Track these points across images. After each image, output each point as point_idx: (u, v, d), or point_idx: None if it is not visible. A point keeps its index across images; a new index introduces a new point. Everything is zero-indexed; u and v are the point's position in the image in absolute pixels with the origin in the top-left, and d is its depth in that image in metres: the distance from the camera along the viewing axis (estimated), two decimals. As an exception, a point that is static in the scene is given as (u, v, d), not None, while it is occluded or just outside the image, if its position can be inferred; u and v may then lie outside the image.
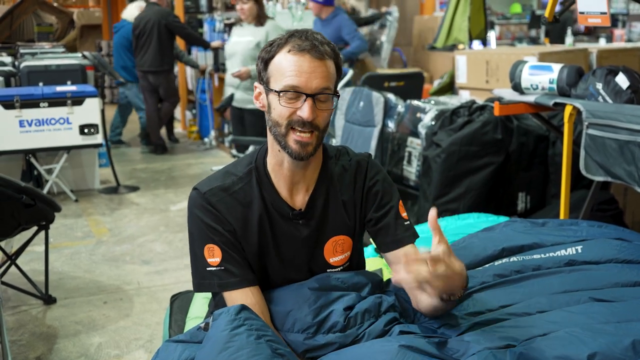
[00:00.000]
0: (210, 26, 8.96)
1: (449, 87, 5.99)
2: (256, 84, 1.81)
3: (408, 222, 1.89)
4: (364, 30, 7.56)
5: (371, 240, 1.94)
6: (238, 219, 1.80)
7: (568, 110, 2.94)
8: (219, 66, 8.17)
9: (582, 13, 2.90)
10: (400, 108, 4.58)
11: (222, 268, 1.77)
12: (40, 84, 5.93)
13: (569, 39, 6.69)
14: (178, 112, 9.97)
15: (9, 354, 2.96)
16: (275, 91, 1.71)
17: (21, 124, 5.54)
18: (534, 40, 10.58)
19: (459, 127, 3.95)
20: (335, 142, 5.01)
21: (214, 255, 1.77)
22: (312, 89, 1.69)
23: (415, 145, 4.36)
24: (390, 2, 13.47)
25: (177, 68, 9.63)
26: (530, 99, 3.19)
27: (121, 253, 4.71)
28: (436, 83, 6.68)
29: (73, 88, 5.82)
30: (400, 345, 1.55)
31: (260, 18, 5.58)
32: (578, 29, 9.60)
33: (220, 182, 1.82)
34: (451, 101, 4.52)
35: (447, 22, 6.60)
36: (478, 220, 2.86)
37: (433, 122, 4.12)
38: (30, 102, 5.54)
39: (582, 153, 2.83)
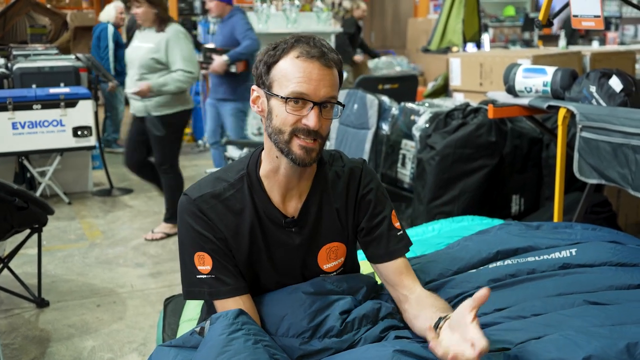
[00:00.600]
0: (204, 28, 8.95)
1: (443, 90, 5.99)
2: (254, 87, 1.77)
3: (401, 232, 1.87)
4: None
5: (363, 252, 1.92)
6: (229, 227, 1.77)
7: (562, 113, 2.94)
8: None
9: (575, 16, 2.91)
10: (395, 110, 4.58)
11: (213, 276, 1.74)
12: (34, 86, 5.91)
13: (562, 41, 6.70)
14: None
15: (1, 357, 2.95)
16: (281, 97, 1.67)
17: (14, 126, 5.51)
18: (528, 43, 10.62)
19: (453, 129, 3.96)
20: (329, 144, 5.01)
21: (204, 263, 1.74)
22: (319, 97, 1.66)
23: (409, 147, 4.36)
24: (384, 4, 13.50)
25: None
26: (524, 101, 3.19)
27: (114, 256, 4.70)
28: (430, 85, 6.69)
29: (66, 90, 5.80)
30: (395, 350, 1.54)
31: (159, 23, 4.87)
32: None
33: (211, 188, 1.78)
34: (445, 104, 4.52)
35: (441, 24, 6.62)
36: (472, 223, 2.86)
37: (427, 125, 4.12)
38: (23, 104, 5.52)
39: (576, 156, 2.83)
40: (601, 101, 2.91)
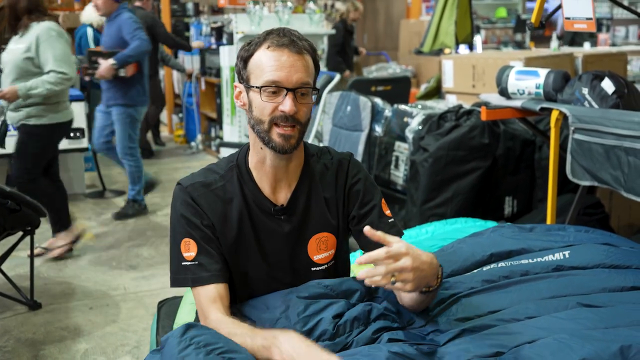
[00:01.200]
0: (197, 30, 8.95)
1: (436, 92, 6.01)
2: (236, 83, 1.83)
3: (392, 220, 1.91)
4: None
5: (357, 242, 1.94)
6: (217, 215, 1.81)
7: (554, 115, 2.95)
8: (206, 70, 8.15)
9: (567, 18, 2.92)
10: (388, 112, 4.58)
11: (196, 262, 1.78)
12: (26, 87, 5.88)
13: (553, 43, 6.72)
14: (164, 116, 9.94)
15: (-6, 361, 2.94)
16: (257, 87, 1.73)
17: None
18: (520, 45, 10.64)
19: (446, 131, 3.97)
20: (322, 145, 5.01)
21: (189, 249, 1.78)
22: (292, 82, 1.71)
23: (402, 149, 4.37)
24: (376, 6, 13.51)
25: (163, 72, 9.61)
26: (517, 103, 3.20)
27: (107, 258, 4.69)
28: (423, 87, 6.69)
29: (58, 92, 5.76)
30: (390, 351, 1.55)
31: (27, 20, 4.36)
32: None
33: (203, 178, 1.85)
34: (438, 105, 4.54)
35: (433, 26, 6.64)
36: (466, 225, 2.87)
37: (420, 127, 4.13)
38: (15, 106, 5.49)
39: (569, 158, 2.84)
40: (593, 103, 2.92)
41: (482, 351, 1.55)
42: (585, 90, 2.96)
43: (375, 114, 4.66)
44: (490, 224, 2.86)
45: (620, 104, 2.86)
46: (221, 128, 7.65)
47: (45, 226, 5.13)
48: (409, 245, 1.53)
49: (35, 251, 4.36)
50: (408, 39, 9.01)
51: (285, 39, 1.73)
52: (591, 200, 3.70)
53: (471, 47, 6.75)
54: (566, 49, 6.06)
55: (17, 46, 4.38)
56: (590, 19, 2.83)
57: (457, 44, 6.56)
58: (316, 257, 1.89)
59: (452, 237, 2.59)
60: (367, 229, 1.54)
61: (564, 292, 1.85)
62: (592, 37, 8.90)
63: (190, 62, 8.73)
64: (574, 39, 9.05)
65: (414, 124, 4.19)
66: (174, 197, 1.85)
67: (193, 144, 8.69)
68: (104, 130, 5.69)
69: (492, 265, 2.08)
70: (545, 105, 3.03)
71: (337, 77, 5.92)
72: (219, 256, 1.80)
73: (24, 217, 3.53)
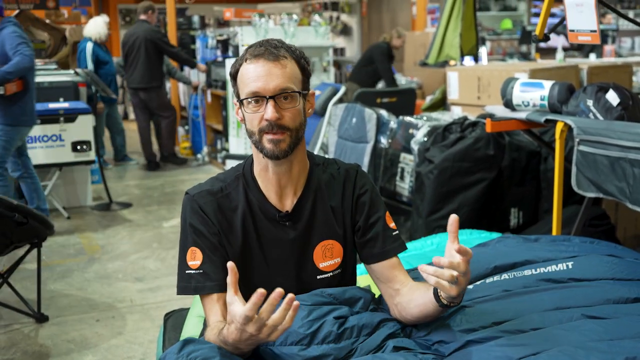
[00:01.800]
0: (203, 42, 9.00)
1: (441, 103, 6.01)
2: (234, 100, 1.87)
3: (396, 232, 1.92)
4: None
5: (358, 254, 1.96)
6: (222, 222, 1.84)
7: (559, 126, 2.96)
8: (212, 82, 8.19)
9: (572, 31, 2.93)
10: (393, 124, 4.59)
11: (201, 271, 1.80)
12: (33, 101, 5.93)
13: (559, 54, 6.72)
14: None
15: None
16: (241, 101, 1.78)
17: (13, 141, 5.51)
18: (525, 56, 10.64)
19: (452, 143, 3.97)
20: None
21: (195, 258, 1.81)
22: (270, 90, 1.74)
23: (408, 161, 4.37)
24: (382, 18, 13.55)
25: (169, 84, 9.65)
26: (522, 115, 3.21)
27: (114, 270, 4.70)
28: (428, 99, 6.71)
29: (65, 105, 5.82)
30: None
31: None
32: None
33: (209, 186, 1.89)
34: (443, 117, 4.54)
35: (438, 38, 6.64)
36: (471, 237, 2.87)
37: (425, 139, 4.13)
38: (23, 119, 5.52)
39: (574, 169, 2.84)
40: (598, 115, 2.93)
41: (487, 363, 1.56)
42: (590, 102, 2.96)
43: (381, 125, 4.67)
44: (496, 235, 2.86)
45: (625, 116, 2.86)
46: (227, 140, 7.67)
47: (51, 239, 5.16)
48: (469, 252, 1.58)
49: None
50: (413, 50, 9.03)
51: (260, 49, 1.77)
52: (597, 212, 3.69)
53: (476, 58, 6.75)
54: (571, 61, 6.07)
55: None
56: (595, 31, 2.83)
57: (462, 55, 6.56)
58: (322, 265, 1.90)
59: (457, 248, 2.59)
60: (434, 259, 1.58)
61: (569, 303, 1.85)
62: (597, 48, 8.90)
63: (197, 74, 8.77)
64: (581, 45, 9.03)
65: (420, 135, 4.19)
66: (183, 206, 1.89)
67: (199, 156, 8.71)
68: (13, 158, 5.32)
69: (496, 277, 2.08)
70: (550, 117, 3.04)
71: (342, 89, 5.93)
72: (224, 265, 1.80)
73: (31, 230, 3.55)
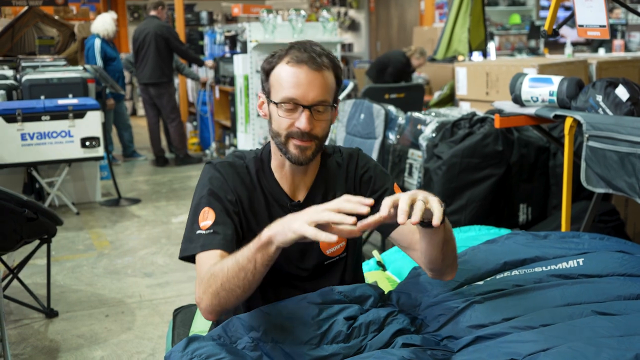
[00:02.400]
0: (211, 38, 9.00)
1: (449, 99, 6.00)
2: (259, 93, 1.88)
3: None
4: None
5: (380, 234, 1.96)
6: (242, 195, 1.86)
7: (568, 122, 2.95)
8: (220, 78, 8.20)
9: (581, 26, 2.92)
10: (401, 120, 4.59)
11: (211, 231, 1.78)
12: (42, 97, 5.96)
13: (568, 49, 6.70)
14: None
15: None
16: (275, 102, 1.78)
17: (23, 137, 5.55)
18: (534, 51, 10.61)
19: (460, 139, 3.96)
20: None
21: (207, 218, 1.79)
22: (309, 100, 1.75)
23: (416, 157, 4.37)
24: (390, 13, 13.52)
25: (177, 80, 9.67)
26: (531, 111, 3.20)
27: (123, 266, 4.72)
28: (436, 95, 6.70)
29: (74, 101, 5.83)
30: (404, 357, 1.56)
31: None
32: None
33: (230, 159, 1.91)
34: (452, 113, 4.53)
35: (446, 33, 6.64)
36: (480, 233, 2.87)
37: (434, 134, 4.13)
38: (32, 116, 5.56)
39: (583, 165, 2.83)
40: (608, 110, 2.92)
41: (497, 359, 1.55)
42: (599, 98, 2.95)
43: (389, 121, 4.66)
44: (505, 231, 2.86)
45: (634, 111, 2.85)
46: (235, 136, 7.68)
47: (61, 234, 5.19)
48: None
49: None
50: (421, 46, 9.01)
51: (304, 54, 1.76)
52: (606, 208, 3.68)
53: (485, 54, 6.74)
54: (580, 56, 6.04)
55: None
56: (604, 26, 2.82)
57: (471, 51, 6.55)
58: (328, 251, 1.92)
59: (465, 244, 2.59)
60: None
61: (579, 299, 1.85)
62: (606, 43, 8.87)
63: (204, 70, 8.78)
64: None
65: (428, 131, 4.19)
66: (202, 173, 1.89)
67: (207, 151, 8.73)
68: None
69: (506, 273, 2.08)
70: (559, 112, 3.03)
71: (350, 85, 5.93)
72: (233, 231, 1.81)
73: (40, 226, 3.56)
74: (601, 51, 7.79)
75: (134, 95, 12.66)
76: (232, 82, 7.62)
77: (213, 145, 8.66)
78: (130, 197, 6.63)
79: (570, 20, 3.15)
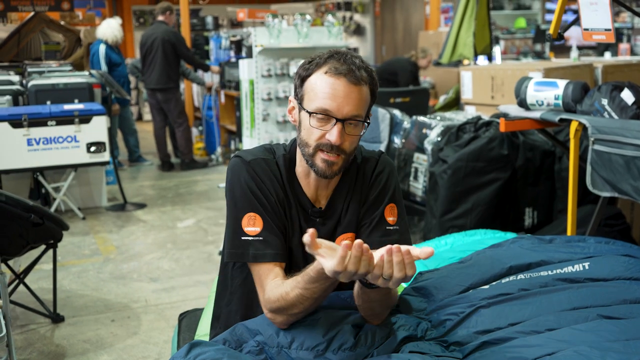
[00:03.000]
0: (217, 43, 9.03)
1: (455, 103, 6.00)
2: (291, 97, 1.85)
3: (391, 227, 1.86)
4: None
5: None
6: (278, 192, 1.83)
7: (574, 126, 2.94)
8: (225, 83, 8.22)
9: (586, 30, 2.91)
10: (406, 124, 4.59)
11: (261, 238, 1.77)
12: (48, 102, 5.97)
13: (573, 53, 6.69)
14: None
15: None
16: (307, 111, 1.74)
17: (29, 142, 5.57)
18: (539, 55, 10.60)
19: (465, 143, 3.96)
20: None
21: (254, 224, 1.78)
22: (343, 114, 1.72)
23: (421, 161, 4.36)
24: (395, 17, 13.54)
25: (183, 85, 9.69)
26: (536, 115, 3.20)
27: (128, 271, 4.72)
28: (442, 99, 6.70)
29: (80, 106, 5.85)
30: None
31: None
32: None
33: (262, 154, 1.86)
34: (457, 117, 4.53)
35: (452, 37, 6.63)
36: (485, 237, 2.86)
37: (439, 138, 4.13)
38: (38, 121, 5.58)
39: (589, 169, 2.83)
40: (613, 114, 2.91)
41: (503, 364, 1.55)
42: (604, 101, 2.95)
43: (394, 125, 4.66)
44: (510, 235, 2.85)
45: (640, 115, 2.85)
46: (241, 141, 7.68)
47: (67, 239, 5.20)
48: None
49: None
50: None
51: (344, 66, 1.73)
52: (612, 211, 3.67)
53: (490, 58, 6.73)
54: (586, 59, 6.03)
55: None
56: (609, 29, 2.82)
57: (476, 55, 6.55)
58: None
59: (471, 248, 2.59)
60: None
61: (584, 303, 1.84)
62: (611, 46, 8.85)
63: (210, 75, 8.80)
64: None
65: (433, 135, 4.19)
66: (234, 169, 1.84)
67: (213, 156, 8.74)
68: None
69: (512, 278, 2.07)
70: (565, 116, 3.02)
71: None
72: (281, 234, 1.81)
73: (46, 231, 3.57)
74: (607, 55, 7.77)
75: (140, 100, 12.68)
76: (237, 86, 7.63)
77: (219, 150, 8.67)
78: (136, 202, 6.64)
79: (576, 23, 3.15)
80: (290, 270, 1.82)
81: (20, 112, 5.61)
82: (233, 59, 8.18)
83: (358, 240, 1.45)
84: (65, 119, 5.69)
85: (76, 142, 5.73)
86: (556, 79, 3.23)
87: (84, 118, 5.74)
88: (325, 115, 1.72)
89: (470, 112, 4.98)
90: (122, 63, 8.15)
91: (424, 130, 4.37)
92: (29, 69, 7.42)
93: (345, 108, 1.72)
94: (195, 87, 9.69)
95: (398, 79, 7.89)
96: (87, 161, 5.80)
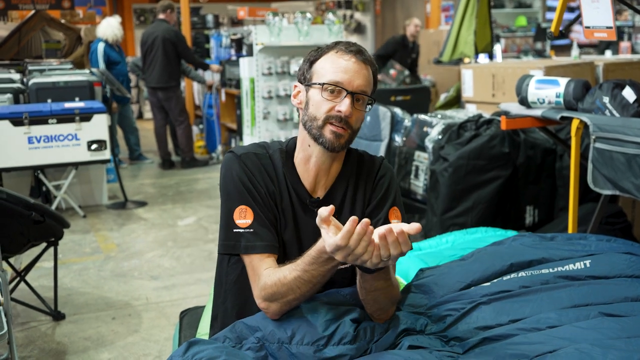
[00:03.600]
0: (217, 41, 9.02)
1: (456, 101, 5.99)
2: (296, 83, 1.91)
3: None
4: None
5: None
6: (269, 185, 1.87)
7: (575, 124, 2.94)
8: (226, 81, 8.21)
9: (588, 27, 2.91)
10: (407, 122, 4.59)
11: (251, 230, 1.80)
12: (49, 100, 5.97)
13: (574, 51, 6.69)
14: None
15: (18, 370, 2.96)
16: (319, 84, 1.81)
17: (30, 140, 5.57)
18: (540, 53, 10.60)
19: (466, 141, 3.96)
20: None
21: (245, 217, 1.81)
22: (353, 86, 1.80)
23: (422, 159, 4.36)
24: (395, 16, 13.52)
25: (184, 83, 9.69)
26: (537, 113, 3.19)
27: (129, 268, 4.72)
28: (443, 97, 6.69)
29: (81, 104, 5.85)
30: (410, 359, 1.55)
31: None
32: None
33: (254, 150, 1.91)
34: (458, 115, 4.53)
35: (453, 36, 6.62)
36: (486, 235, 2.86)
37: (440, 136, 4.12)
38: (39, 119, 5.58)
39: (590, 167, 2.83)
40: (614, 112, 2.91)
41: (503, 360, 1.55)
42: (606, 99, 2.94)
43: (395, 123, 4.66)
44: (511, 233, 2.85)
45: (641, 113, 2.84)
46: (241, 139, 7.69)
47: (67, 237, 5.20)
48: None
49: None
50: (427, 48, 9.01)
51: (354, 47, 1.84)
52: (613, 209, 3.67)
53: (491, 56, 6.73)
54: (587, 58, 6.03)
55: None
56: (611, 27, 2.82)
57: (477, 53, 6.54)
58: None
59: (472, 246, 2.59)
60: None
61: (586, 301, 1.84)
62: (613, 44, 8.85)
63: (211, 74, 8.80)
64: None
65: (434, 133, 4.19)
66: (228, 163, 1.88)
67: (214, 154, 8.74)
68: None
69: (513, 275, 2.07)
70: (566, 114, 3.02)
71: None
72: (272, 226, 1.83)
73: (47, 229, 3.57)
74: (608, 53, 7.77)
75: (140, 98, 12.68)
76: (238, 84, 7.63)
77: (219, 148, 8.67)
78: (136, 200, 6.64)
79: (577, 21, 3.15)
80: (284, 262, 1.83)
81: (21, 110, 5.61)
82: (234, 57, 8.18)
83: (365, 219, 1.49)
84: (66, 117, 5.69)
85: (77, 140, 5.73)
86: (557, 77, 3.23)
87: (85, 116, 5.74)
88: (336, 87, 1.79)
89: (471, 110, 4.97)
90: (121, 61, 8.14)
91: (425, 129, 4.37)
92: (30, 67, 7.42)
93: (356, 81, 1.79)
94: (196, 86, 9.69)
95: (387, 52, 8.13)
96: (88, 159, 5.80)
